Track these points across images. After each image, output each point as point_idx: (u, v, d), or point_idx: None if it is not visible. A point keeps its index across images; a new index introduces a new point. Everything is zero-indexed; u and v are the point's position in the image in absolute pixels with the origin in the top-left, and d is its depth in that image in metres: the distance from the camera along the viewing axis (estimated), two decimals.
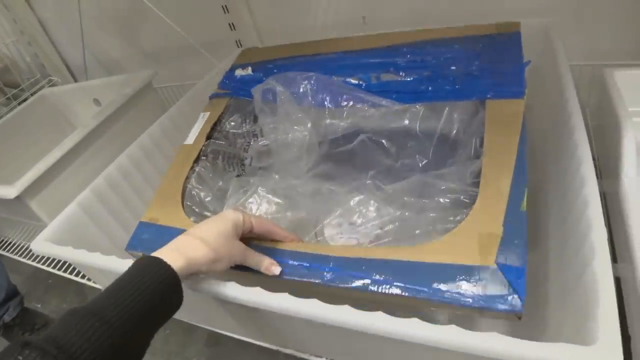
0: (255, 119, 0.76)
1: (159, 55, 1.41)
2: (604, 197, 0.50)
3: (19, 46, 1.56)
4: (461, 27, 0.74)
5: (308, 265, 0.50)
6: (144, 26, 1.35)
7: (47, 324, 1.11)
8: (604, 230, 0.41)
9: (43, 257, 1.12)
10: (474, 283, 0.43)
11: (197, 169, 0.70)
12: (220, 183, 0.72)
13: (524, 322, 0.42)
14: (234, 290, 0.47)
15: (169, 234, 0.58)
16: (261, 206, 0.67)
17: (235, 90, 0.81)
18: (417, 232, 0.55)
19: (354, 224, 0.63)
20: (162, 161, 0.87)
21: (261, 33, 1.20)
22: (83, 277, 1.02)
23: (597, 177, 0.48)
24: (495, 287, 0.42)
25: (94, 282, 0.96)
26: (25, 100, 1.37)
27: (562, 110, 0.61)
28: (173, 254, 0.44)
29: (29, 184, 0.84)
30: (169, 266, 0.42)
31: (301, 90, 0.70)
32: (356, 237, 0.64)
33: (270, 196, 0.67)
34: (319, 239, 0.67)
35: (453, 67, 0.68)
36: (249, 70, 0.82)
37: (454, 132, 0.66)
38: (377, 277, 0.46)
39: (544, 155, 0.67)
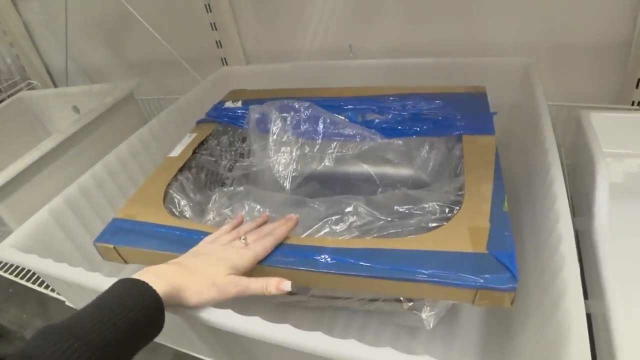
0: (244, 141, 0.76)
1: (142, 66, 1.41)
2: (576, 234, 0.51)
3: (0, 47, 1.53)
4: (436, 86, 0.80)
5: (305, 255, 0.51)
6: (130, 36, 1.35)
7: (4, 335, 1.06)
8: (576, 266, 0.42)
9: (6, 264, 1.08)
10: (470, 266, 0.45)
11: (180, 178, 0.70)
12: (199, 197, 0.71)
13: (496, 353, 0.42)
14: (202, 312, 0.46)
15: (148, 228, 0.58)
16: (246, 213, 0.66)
17: (223, 118, 0.81)
18: (407, 229, 0.56)
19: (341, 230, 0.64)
20: (139, 173, 0.85)
21: (247, 53, 1.21)
22: (47, 287, 0.98)
23: (571, 215, 0.49)
24: (490, 269, 0.45)
25: (57, 293, 0.93)
26: (1, 101, 1.34)
27: (539, 148, 0.63)
28: (158, 280, 0.42)
29: None
30: (155, 291, 0.40)
31: (295, 117, 0.72)
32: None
33: (255, 205, 0.66)
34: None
35: (431, 112, 0.72)
36: (239, 103, 0.83)
37: (432, 163, 0.68)
38: (377, 263, 0.48)
39: (519, 191, 0.69)
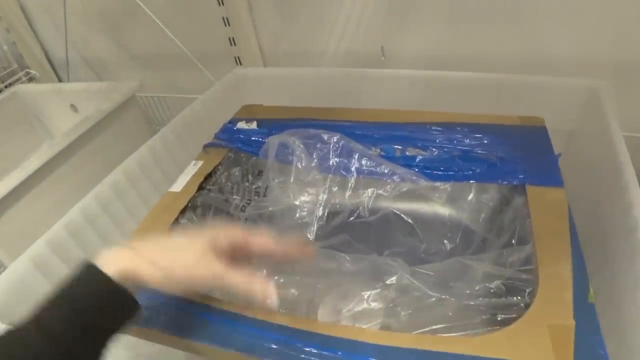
0: (259, 175, 0.65)
1: (148, 60, 1.29)
2: None
3: None
4: (486, 115, 0.69)
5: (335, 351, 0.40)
6: (135, 28, 1.22)
7: None
8: None
9: None
10: None
11: (182, 221, 0.59)
12: None
13: None
14: None
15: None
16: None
17: (234, 143, 0.69)
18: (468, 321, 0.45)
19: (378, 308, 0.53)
20: (150, 191, 0.71)
21: (264, 52, 1.09)
22: None
23: None
24: None
25: None
26: None
27: (613, 182, 0.53)
28: (116, 263, 0.38)
29: None
30: (108, 276, 0.37)
31: (322, 151, 0.61)
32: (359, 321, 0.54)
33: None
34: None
35: (483, 150, 0.61)
36: (254, 125, 0.71)
37: (485, 216, 0.58)
38: None
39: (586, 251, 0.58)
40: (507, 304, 0.45)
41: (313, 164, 0.60)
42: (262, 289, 0.40)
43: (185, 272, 0.40)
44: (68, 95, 1.16)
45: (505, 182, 0.57)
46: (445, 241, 0.58)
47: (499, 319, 0.44)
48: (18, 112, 1.21)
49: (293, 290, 0.56)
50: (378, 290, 0.49)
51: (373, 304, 0.50)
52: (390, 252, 0.57)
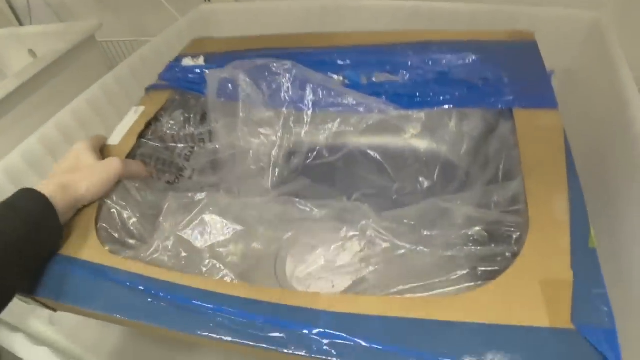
0: (204, 119, 0.56)
1: (113, 2, 1.18)
2: None
3: None
4: (469, 31, 0.59)
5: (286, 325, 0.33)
6: None
7: None
8: None
9: None
10: (545, 355, 0.29)
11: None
12: (151, 197, 0.52)
13: None
14: None
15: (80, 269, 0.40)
16: (211, 234, 0.48)
17: (179, 83, 0.60)
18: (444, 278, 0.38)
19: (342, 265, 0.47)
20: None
21: None
22: None
23: None
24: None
25: None
26: None
27: (619, 118, 0.46)
28: (46, 184, 0.43)
29: None
30: (41, 193, 0.41)
31: (273, 83, 0.51)
32: (330, 277, 0.48)
33: (221, 219, 0.48)
34: (278, 278, 0.50)
35: (463, 71, 0.52)
36: (201, 60, 0.61)
37: (466, 148, 0.50)
38: (403, 349, 0.30)
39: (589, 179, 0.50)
40: (491, 254, 0.38)
41: (262, 99, 0.51)
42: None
43: (87, 180, 0.45)
44: (25, 39, 1.05)
45: (489, 106, 0.48)
46: (420, 179, 0.50)
47: (479, 272, 0.37)
48: None
49: (255, 244, 0.50)
50: (340, 243, 0.42)
51: (339, 259, 0.43)
52: (358, 195, 0.50)
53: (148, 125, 0.55)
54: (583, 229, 0.36)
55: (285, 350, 0.32)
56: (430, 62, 0.53)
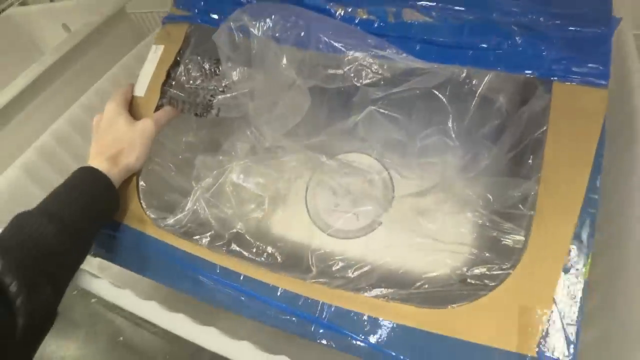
0: (217, 65, 0.55)
1: None
2: None
3: None
4: None
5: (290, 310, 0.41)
6: None
7: None
8: None
9: None
10: None
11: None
12: (185, 139, 0.57)
13: None
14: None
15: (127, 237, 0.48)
16: (238, 196, 0.54)
17: (196, 11, 0.57)
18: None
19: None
20: None
21: None
22: None
23: None
24: None
25: None
26: None
27: (621, 85, 0.44)
28: (103, 163, 0.47)
29: None
30: (102, 172, 0.46)
31: (280, 32, 0.48)
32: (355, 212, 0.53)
33: (246, 178, 0.54)
34: (310, 211, 0.55)
35: (510, 11, 0.44)
36: None
37: (495, 120, 0.48)
38: (384, 347, 0.37)
39: None
40: (484, 264, 0.40)
41: (275, 48, 0.49)
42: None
43: (135, 151, 0.50)
44: (59, 14, 1.05)
45: (525, 73, 0.42)
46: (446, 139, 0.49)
47: (468, 282, 0.40)
48: (12, 37, 1.13)
49: (286, 179, 0.55)
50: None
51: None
52: (380, 148, 0.53)
53: (169, 73, 0.56)
54: (581, 259, 0.36)
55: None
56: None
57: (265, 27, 0.49)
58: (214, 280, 0.44)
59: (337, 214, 0.55)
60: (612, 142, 0.43)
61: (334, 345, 0.39)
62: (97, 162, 0.47)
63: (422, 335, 0.37)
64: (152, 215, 0.49)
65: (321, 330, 0.40)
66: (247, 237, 0.49)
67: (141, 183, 0.51)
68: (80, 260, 0.44)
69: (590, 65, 0.40)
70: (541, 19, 0.43)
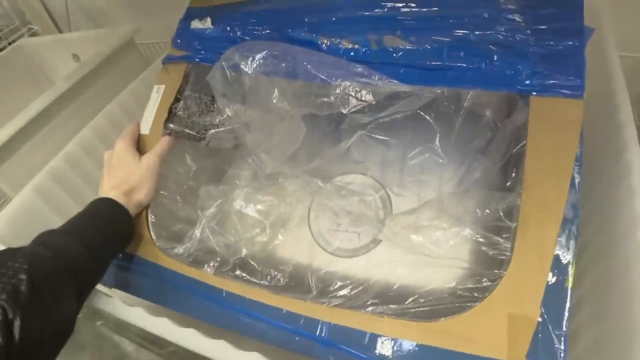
0: (213, 102, 0.58)
1: (146, 6, 1.20)
2: None
3: None
4: None
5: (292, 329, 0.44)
6: None
7: None
8: None
9: None
10: None
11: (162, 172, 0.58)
12: (189, 170, 0.60)
13: None
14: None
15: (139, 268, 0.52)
16: (243, 225, 0.57)
17: (192, 51, 0.61)
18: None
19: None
20: None
21: None
22: None
23: None
24: None
25: None
26: (2, 49, 1.24)
27: (606, 104, 0.46)
28: (119, 196, 0.51)
29: None
30: (117, 202, 0.50)
31: (269, 67, 0.52)
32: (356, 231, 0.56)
33: (249, 205, 0.57)
34: (312, 232, 0.58)
35: (485, 33, 0.46)
36: (208, 23, 0.61)
37: (477, 133, 0.50)
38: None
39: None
40: (472, 275, 0.42)
41: (267, 84, 0.52)
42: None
43: (144, 187, 0.53)
44: (69, 44, 1.11)
45: (504, 90, 0.45)
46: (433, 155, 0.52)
47: (458, 293, 0.42)
48: (23, 66, 1.19)
49: (288, 203, 0.58)
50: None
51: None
52: (376, 166, 0.56)
53: (170, 110, 0.59)
54: (565, 266, 0.37)
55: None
56: (448, 19, 0.48)
57: (255, 64, 0.52)
58: (220, 304, 0.47)
59: (339, 234, 0.57)
60: (600, 155, 0.46)
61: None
62: (114, 194, 0.51)
63: (415, 348, 0.39)
64: (162, 246, 0.53)
65: (322, 347, 0.42)
66: (252, 262, 0.51)
67: (150, 216, 0.55)
68: (97, 281, 0.47)
69: (565, 77, 0.42)
70: (517, 36, 0.46)
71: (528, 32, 0.45)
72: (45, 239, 0.43)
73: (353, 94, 0.50)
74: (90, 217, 0.48)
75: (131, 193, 0.53)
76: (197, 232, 0.53)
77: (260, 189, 0.57)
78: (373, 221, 0.55)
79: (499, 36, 0.46)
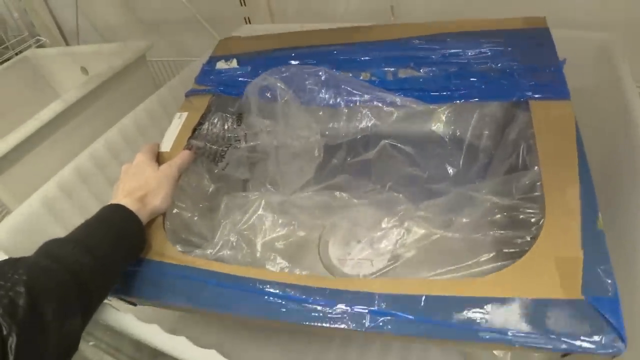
0: (240, 120, 0.61)
1: (158, 25, 1.26)
2: None
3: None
4: (482, 20, 0.62)
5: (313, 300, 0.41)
6: None
7: None
8: None
9: None
10: (563, 322, 0.35)
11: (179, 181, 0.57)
12: (206, 208, 0.60)
13: None
14: None
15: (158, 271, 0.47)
16: (265, 230, 0.57)
17: (217, 85, 0.65)
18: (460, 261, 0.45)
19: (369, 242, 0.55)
20: None
21: (274, 12, 1.04)
22: None
23: None
24: (588, 326, 0.35)
25: None
26: (9, 59, 1.23)
27: (626, 140, 0.52)
28: (131, 202, 0.49)
29: None
30: (130, 210, 0.48)
31: (307, 87, 0.56)
32: (369, 257, 0.55)
33: (273, 215, 0.56)
34: (323, 261, 0.57)
35: (482, 64, 0.56)
36: (234, 63, 0.66)
37: (487, 137, 0.57)
38: (443, 323, 0.37)
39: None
40: (513, 237, 0.44)
41: (299, 103, 0.57)
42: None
43: (160, 193, 0.52)
44: (78, 57, 1.14)
45: (506, 99, 0.53)
46: (448, 167, 0.58)
47: (504, 254, 0.43)
48: (29, 76, 1.19)
49: (300, 232, 0.58)
50: (382, 232, 0.49)
51: (381, 245, 0.50)
52: (392, 184, 0.57)
53: (194, 130, 0.60)
54: (592, 214, 0.41)
55: (344, 326, 0.38)
56: (450, 56, 0.57)
57: (288, 87, 0.56)
58: (246, 291, 0.44)
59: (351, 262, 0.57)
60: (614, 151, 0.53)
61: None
62: (126, 201, 0.49)
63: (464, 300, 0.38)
64: (179, 249, 0.50)
65: (375, 318, 0.39)
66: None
67: (167, 223, 0.53)
68: (105, 295, 0.44)
69: (552, 89, 0.52)
70: (507, 69, 0.55)
71: (517, 65, 0.55)
72: (48, 248, 0.41)
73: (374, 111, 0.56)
74: (98, 225, 0.45)
75: (145, 198, 0.51)
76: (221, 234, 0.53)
77: (275, 211, 0.56)
78: (391, 241, 0.54)
79: (494, 66, 0.56)
